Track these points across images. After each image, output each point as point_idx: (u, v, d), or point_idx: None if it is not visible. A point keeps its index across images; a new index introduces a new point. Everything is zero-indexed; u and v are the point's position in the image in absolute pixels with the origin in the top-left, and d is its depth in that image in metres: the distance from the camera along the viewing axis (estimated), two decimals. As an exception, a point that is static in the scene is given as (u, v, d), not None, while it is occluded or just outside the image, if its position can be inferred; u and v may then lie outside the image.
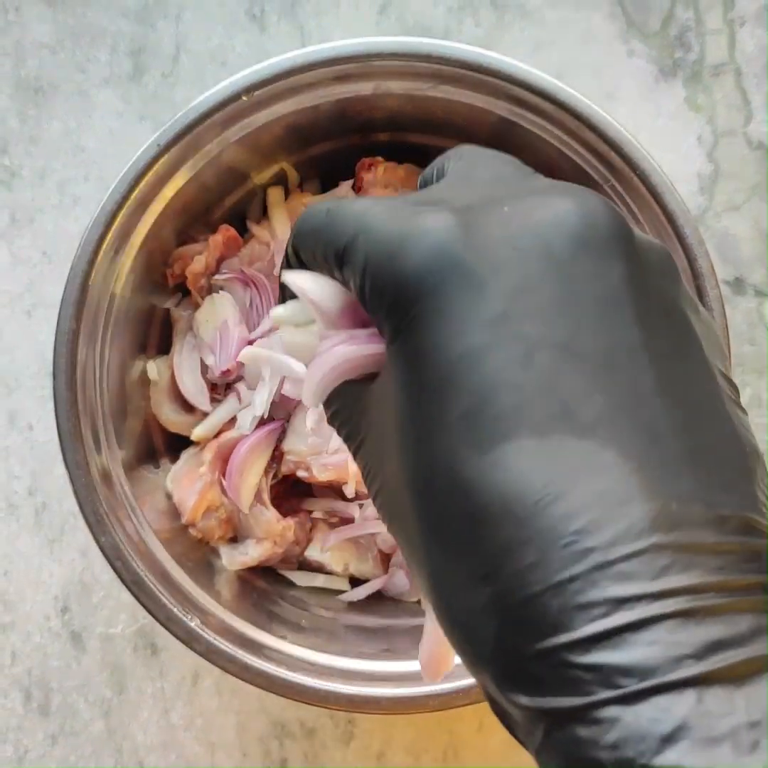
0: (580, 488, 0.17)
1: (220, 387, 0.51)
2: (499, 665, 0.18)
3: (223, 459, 0.49)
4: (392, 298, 0.20)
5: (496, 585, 0.18)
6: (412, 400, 0.20)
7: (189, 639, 0.43)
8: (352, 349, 0.23)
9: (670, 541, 0.17)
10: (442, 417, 0.19)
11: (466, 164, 0.25)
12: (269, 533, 0.49)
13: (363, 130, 0.50)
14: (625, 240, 0.20)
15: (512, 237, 0.20)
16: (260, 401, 0.48)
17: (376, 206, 0.23)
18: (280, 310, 0.26)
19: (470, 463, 0.18)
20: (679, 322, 0.21)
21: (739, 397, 0.21)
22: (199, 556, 0.49)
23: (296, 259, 0.26)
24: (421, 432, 0.20)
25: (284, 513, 0.50)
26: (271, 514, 0.50)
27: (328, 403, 0.25)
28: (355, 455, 0.24)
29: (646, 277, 0.20)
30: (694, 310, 0.22)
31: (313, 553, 0.52)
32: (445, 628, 0.20)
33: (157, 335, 0.52)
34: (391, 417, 0.21)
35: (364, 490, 0.49)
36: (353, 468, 0.48)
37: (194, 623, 0.43)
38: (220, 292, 0.50)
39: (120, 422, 0.46)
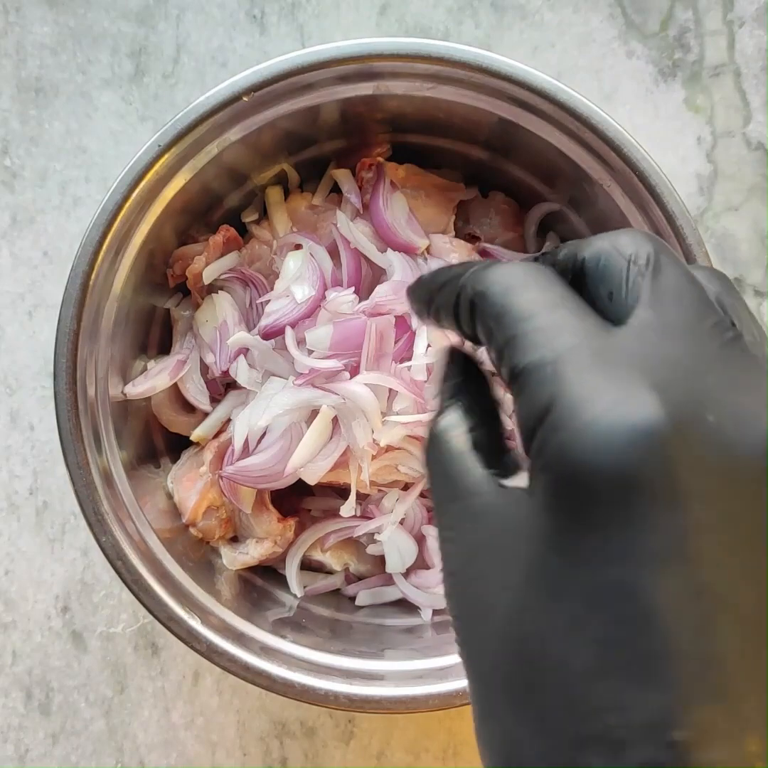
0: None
1: (220, 387, 0.51)
2: None
3: (223, 458, 0.49)
4: (573, 481, 0.19)
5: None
6: (565, 584, 0.19)
7: (190, 638, 0.43)
8: None
9: None
10: (584, 628, 0.19)
11: (666, 300, 0.22)
12: (269, 533, 0.49)
13: (363, 131, 0.50)
14: None
15: (720, 462, 0.19)
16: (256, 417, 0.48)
17: (566, 335, 0.21)
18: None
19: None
20: None
21: None
22: (200, 555, 0.49)
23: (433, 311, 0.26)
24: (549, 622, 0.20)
25: (284, 512, 0.50)
26: (271, 513, 0.50)
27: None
28: (440, 529, 0.24)
29: None
30: None
31: (313, 553, 0.52)
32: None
33: (157, 335, 0.52)
34: (523, 554, 0.21)
35: (364, 490, 0.49)
36: (356, 466, 0.48)
37: (195, 622, 0.43)
38: (220, 292, 0.50)
39: (121, 422, 0.46)
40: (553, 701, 0.19)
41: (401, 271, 0.48)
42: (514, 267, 0.24)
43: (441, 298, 0.26)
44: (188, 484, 0.50)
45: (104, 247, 0.43)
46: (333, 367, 0.46)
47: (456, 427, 0.24)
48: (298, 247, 0.50)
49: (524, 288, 0.23)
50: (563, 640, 0.19)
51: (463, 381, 0.26)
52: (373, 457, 0.47)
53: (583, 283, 0.24)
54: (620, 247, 0.24)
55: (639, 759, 0.18)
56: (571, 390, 0.20)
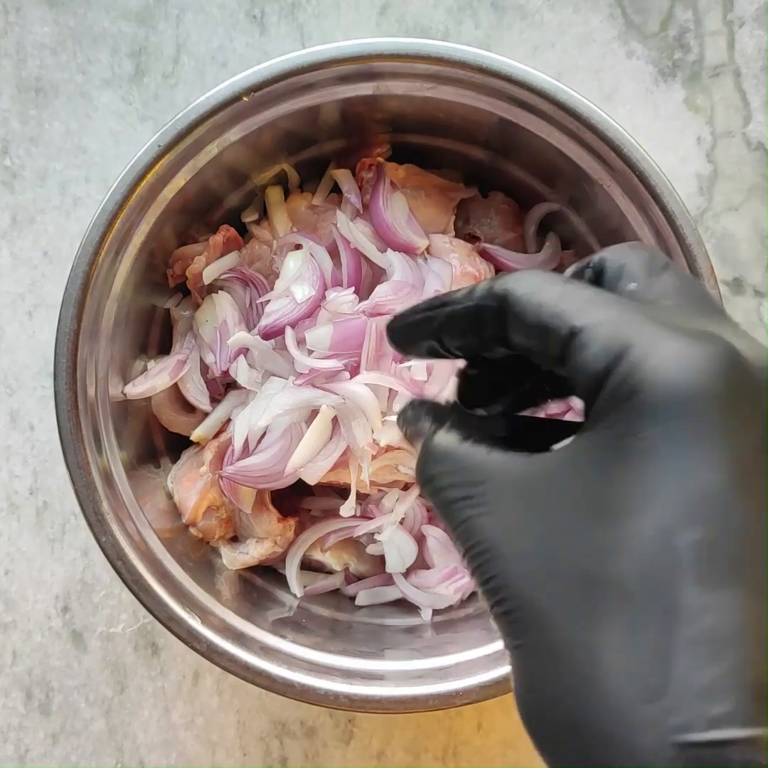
0: None
1: (220, 387, 0.51)
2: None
3: (223, 458, 0.49)
4: (643, 404, 0.21)
5: None
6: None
7: (190, 638, 0.43)
8: None
9: None
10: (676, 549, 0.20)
11: (680, 290, 0.26)
12: (269, 533, 0.49)
13: (363, 131, 0.50)
14: None
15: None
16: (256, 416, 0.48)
17: (614, 303, 0.23)
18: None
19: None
20: None
21: None
22: (200, 555, 0.49)
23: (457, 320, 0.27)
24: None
25: (284, 512, 0.50)
26: (271, 513, 0.50)
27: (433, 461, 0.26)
28: (461, 522, 0.24)
29: None
30: None
31: (313, 553, 0.52)
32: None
33: (157, 335, 0.52)
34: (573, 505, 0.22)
35: (364, 490, 0.49)
36: (356, 466, 0.48)
37: (195, 622, 0.43)
38: (220, 292, 0.50)
39: (121, 422, 0.47)
40: (637, 613, 0.20)
41: (401, 271, 0.48)
42: (529, 272, 0.26)
43: (451, 315, 0.27)
44: (188, 484, 0.50)
45: (104, 247, 0.43)
46: (333, 367, 0.46)
47: (457, 432, 0.26)
48: (298, 247, 0.50)
49: (551, 279, 0.25)
50: (663, 548, 0.20)
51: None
52: (373, 457, 0.47)
53: (601, 281, 0.27)
54: (637, 251, 0.27)
55: (733, 660, 0.19)
56: (647, 331, 0.22)
